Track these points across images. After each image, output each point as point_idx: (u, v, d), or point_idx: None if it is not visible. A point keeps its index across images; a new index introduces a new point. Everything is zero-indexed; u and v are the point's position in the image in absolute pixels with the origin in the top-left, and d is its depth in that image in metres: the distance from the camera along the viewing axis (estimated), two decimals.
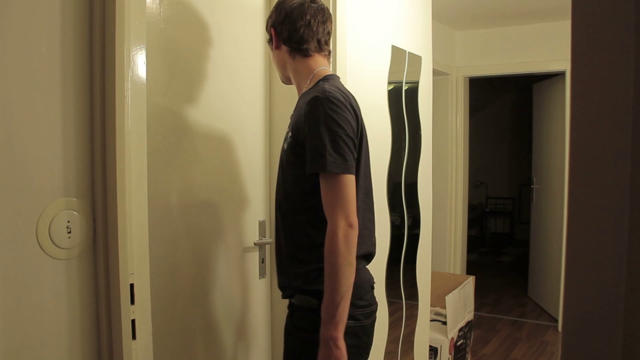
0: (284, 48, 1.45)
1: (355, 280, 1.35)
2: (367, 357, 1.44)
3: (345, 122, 1.28)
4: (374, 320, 1.44)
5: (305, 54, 1.42)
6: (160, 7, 1.52)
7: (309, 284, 1.35)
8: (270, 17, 1.49)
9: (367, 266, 1.45)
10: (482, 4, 3.67)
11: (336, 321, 1.25)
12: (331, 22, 1.48)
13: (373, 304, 1.42)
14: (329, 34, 1.46)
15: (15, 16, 1.12)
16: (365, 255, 1.43)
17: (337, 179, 1.26)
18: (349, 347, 1.33)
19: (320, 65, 1.44)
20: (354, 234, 1.26)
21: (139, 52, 1.29)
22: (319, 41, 1.43)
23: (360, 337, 1.38)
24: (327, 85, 1.33)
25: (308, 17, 1.40)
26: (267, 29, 1.50)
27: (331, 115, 1.27)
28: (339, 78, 1.46)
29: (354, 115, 1.32)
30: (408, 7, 2.42)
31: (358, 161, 1.35)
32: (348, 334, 1.33)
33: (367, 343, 1.41)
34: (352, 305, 1.34)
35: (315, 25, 1.41)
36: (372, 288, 1.45)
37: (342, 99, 1.30)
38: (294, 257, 1.41)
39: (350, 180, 1.27)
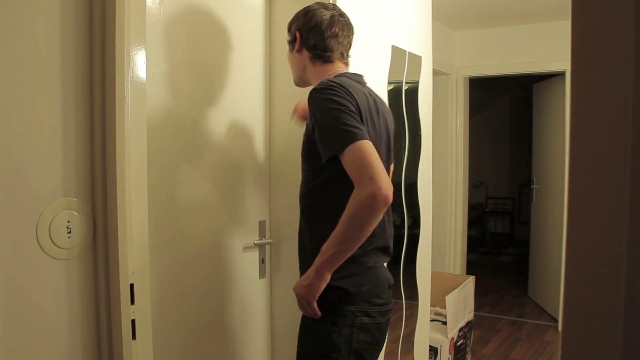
0: (306, 53, 1.48)
1: (372, 279, 1.38)
2: (379, 354, 1.46)
3: (344, 100, 1.27)
4: (389, 319, 1.46)
5: (327, 60, 1.47)
6: (160, 7, 1.52)
7: (331, 277, 1.35)
8: (296, 20, 1.50)
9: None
10: (482, 4, 3.67)
11: (322, 261, 1.28)
12: (354, 35, 1.52)
13: (389, 302, 1.44)
14: (350, 45, 1.51)
15: (16, 16, 1.12)
16: (384, 248, 1.44)
17: (352, 148, 1.22)
18: (363, 343, 1.36)
19: (338, 68, 1.47)
20: (380, 200, 1.18)
21: (139, 52, 1.29)
22: (342, 52, 1.48)
23: (374, 334, 1.40)
24: (328, 78, 1.35)
25: (336, 30, 1.45)
26: (291, 30, 1.51)
27: (328, 97, 1.27)
28: (358, 76, 1.47)
29: (352, 99, 1.30)
30: (408, 7, 2.42)
31: None
32: (363, 330, 1.36)
33: (380, 340, 1.44)
34: (368, 302, 1.37)
35: (342, 37, 1.47)
36: (390, 287, 1.47)
37: (338, 86, 1.29)
38: (319, 250, 1.41)
39: (365, 144, 1.22)
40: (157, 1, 1.51)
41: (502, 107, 7.47)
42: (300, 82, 1.57)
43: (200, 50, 1.67)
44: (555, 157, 4.28)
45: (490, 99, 7.35)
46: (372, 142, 1.33)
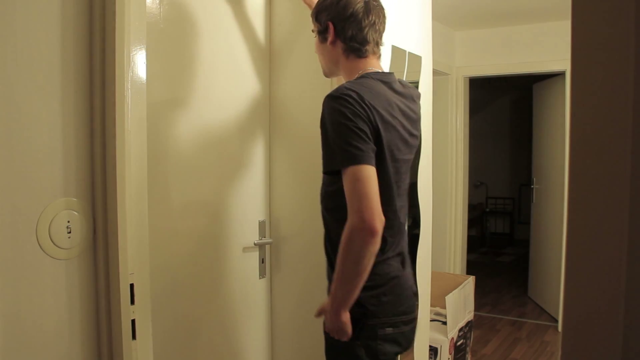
0: (340, 45, 1.38)
1: (395, 289, 1.35)
2: None
3: (354, 115, 1.21)
4: (415, 327, 1.43)
5: (361, 55, 1.37)
6: (160, 7, 1.52)
7: None
8: (325, 8, 1.39)
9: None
10: (482, 4, 3.66)
11: (337, 301, 1.26)
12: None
13: (413, 310, 1.41)
14: (384, 30, 1.42)
15: (16, 16, 1.12)
16: (399, 254, 1.41)
17: (348, 172, 1.19)
18: (391, 354, 1.35)
19: (370, 66, 1.38)
20: (366, 234, 1.17)
21: (139, 52, 1.29)
22: (377, 42, 1.39)
23: (401, 343, 1.37)
24: (347, 84, 1.28)
25: (373, 17, 1.35)
26: (320, 19, 1.40)
27: (339, 110, 1.22)
28: (385, 75, 1.38)
29: (367, 110, 1.23)
30: (408, 7, 2.42)
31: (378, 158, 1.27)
32: (388, 341, 1.33)
33: (406, 348, 1.42)
34: (392, 313, 1.34)
35: (378, 24, 1.38)
36: (415, 295, 1.43)
37: (354, 95, 1.23)
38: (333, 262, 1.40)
39: (363, 170, 1.19)
40: (157, 1, 1.51)
41: (502, 107, 7.47)
42: (331, 74, 1.50)
43: (201, 50, 1.67)
44: (555, 157, 4.28)
45: (490, 99, 7.34)
46: (386, 146, 1.28)
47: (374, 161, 1.22)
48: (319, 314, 1.35)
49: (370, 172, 1.20)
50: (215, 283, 1.76)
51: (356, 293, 1.25)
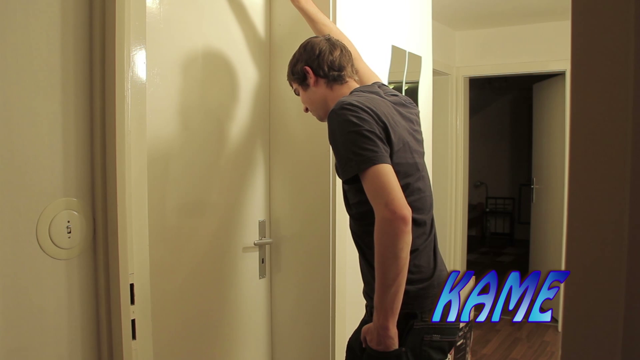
0: (323, 82, 1.47)
1: (439, 281, 1.36)
2: None
3: (362, 121, 1.25)
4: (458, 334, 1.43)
5: (342, 81, 1.47)
6: (160, 7, 1.52)
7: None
8: (296, 62, 1.49)
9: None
10: (482, 4, 3.66)
11: (385, 311, 1.22)
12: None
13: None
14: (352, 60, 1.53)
15: (15, 16, 1.12)
16: (434, 244, 1.43)
17: (369, 173, 1.22)
18: None
19: (353, 88, 1.46)
20: (399, 223, 1.18)
21: (139, 52, 1.29)
22: (352, 66, 1.49)
23: (446, 352, 1.37)
24: (344, 98, 1.34)
25: (338, 49, 1.48)
26: (296, 71, 1.48)
27: (347, 119, 1.26)
28: (371, 86, 1.46)
29: (369, 112, 1.27)
30: (408, 7, 2.42)
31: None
32: (434, 348, 1.32)
33: (447, 354, 1.41)
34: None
35: (345, 54, 1.49)
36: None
37: (357, 104, 1.28)
38: (368, 283, 1.41)
39: (382, 169, 1.22)
40: (157, 1, 1.51)
41: (502, 107, 7.47)
42: (326, 116, 1.52)
43: (200, 51, 1.67)
44: (555, 157, 4.28)
45: (490, 99, 7.35)
46: (397, 147, 1.31)
47: (389, 160, 1.26)
48: (364, 337, 1.31)
49: (387, 169, 1.23)
50: (215, 283, 1.76)
51: (401, 295, 1.23)
